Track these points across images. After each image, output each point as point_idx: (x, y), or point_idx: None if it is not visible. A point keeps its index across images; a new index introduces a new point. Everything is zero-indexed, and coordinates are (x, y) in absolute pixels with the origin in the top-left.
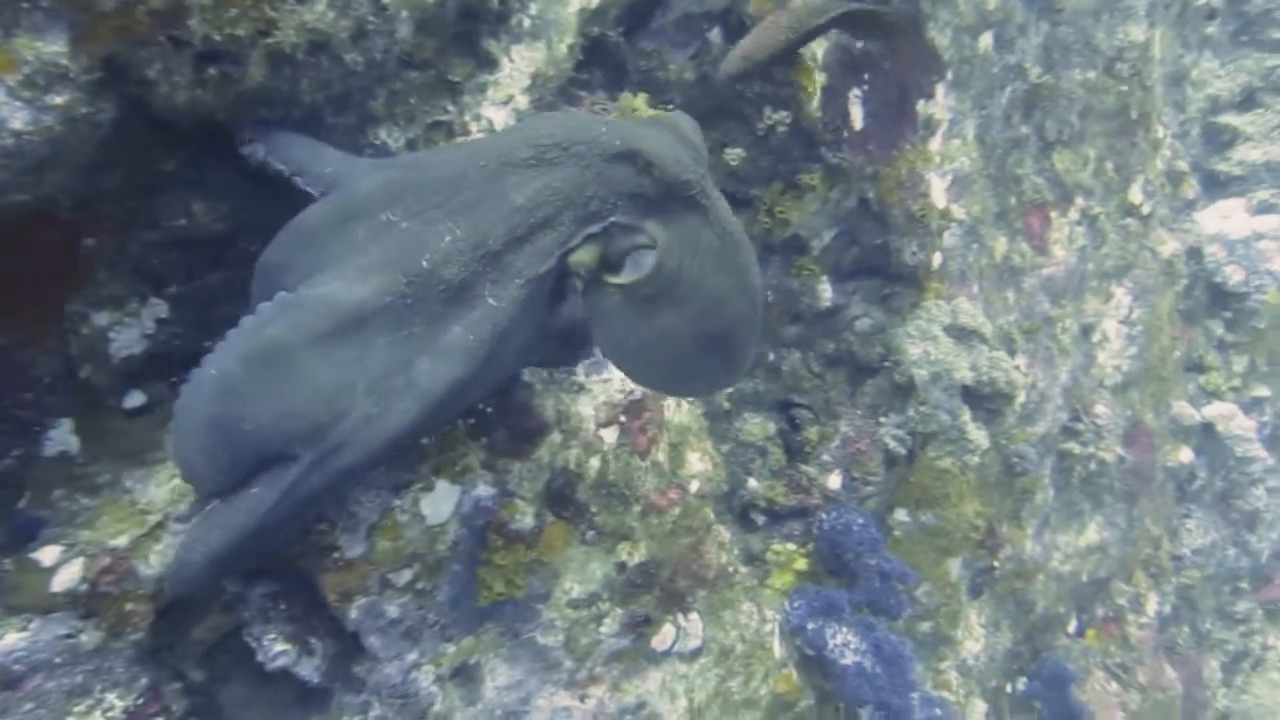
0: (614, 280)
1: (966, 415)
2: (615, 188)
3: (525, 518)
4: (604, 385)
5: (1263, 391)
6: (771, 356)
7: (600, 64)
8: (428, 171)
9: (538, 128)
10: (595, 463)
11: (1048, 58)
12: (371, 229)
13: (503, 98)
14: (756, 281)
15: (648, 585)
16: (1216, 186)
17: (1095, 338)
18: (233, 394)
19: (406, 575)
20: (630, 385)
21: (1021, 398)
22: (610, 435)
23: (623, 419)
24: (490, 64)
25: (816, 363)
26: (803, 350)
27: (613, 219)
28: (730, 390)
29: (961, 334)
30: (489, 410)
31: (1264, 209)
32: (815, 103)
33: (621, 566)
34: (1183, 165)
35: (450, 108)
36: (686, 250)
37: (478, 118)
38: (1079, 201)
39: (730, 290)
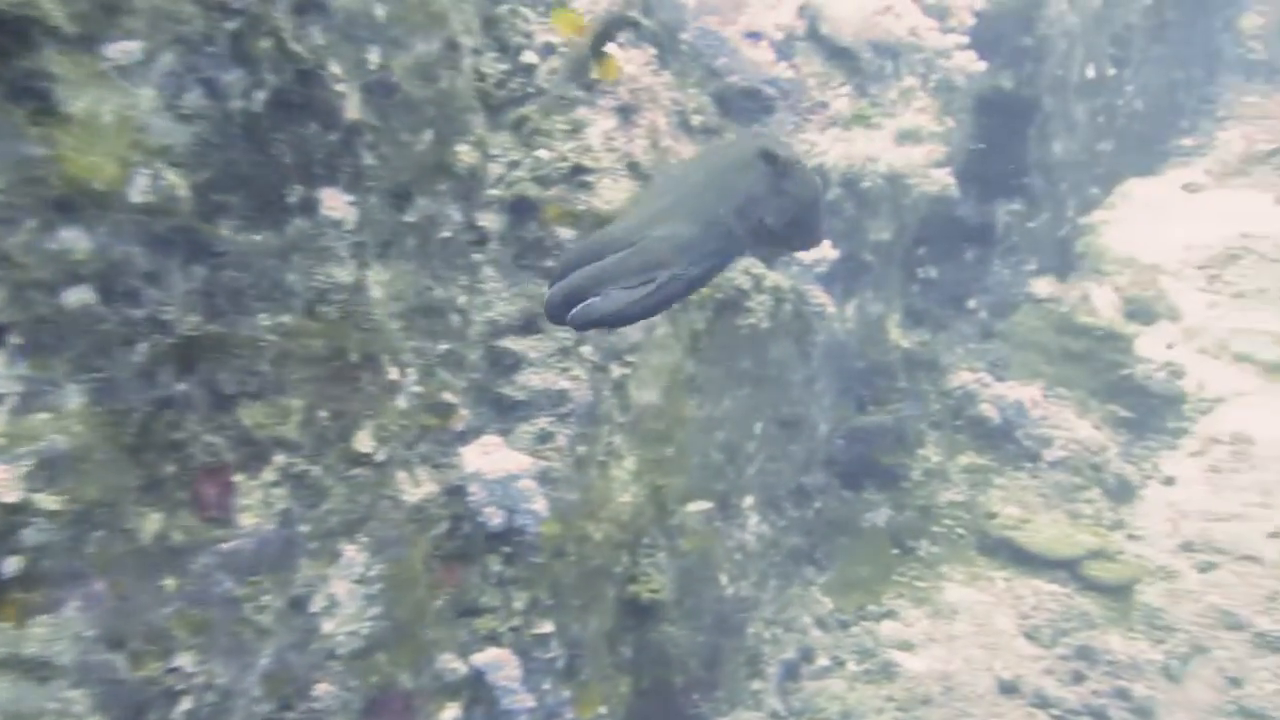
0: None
1: None
2: (765, 174)
3: None
4: None
5: (547, 628)
6: None
7: None
8: (683, 186)
9: (730, 149)
10: None
11: (209, 305)
12: (666, 221)
13: None
14: (815, 179)
15: None
16: (505, 411)
17: (317, 606)
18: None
19: None
20: None
21: None
22: None
23: None
24: None
25: None
26: None
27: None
28: None
29: (24, 666)
30: None
31: (543, 438)
32: None
33: None
34: (450, 396)
35: None
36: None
37: None
38: (279, 459)
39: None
